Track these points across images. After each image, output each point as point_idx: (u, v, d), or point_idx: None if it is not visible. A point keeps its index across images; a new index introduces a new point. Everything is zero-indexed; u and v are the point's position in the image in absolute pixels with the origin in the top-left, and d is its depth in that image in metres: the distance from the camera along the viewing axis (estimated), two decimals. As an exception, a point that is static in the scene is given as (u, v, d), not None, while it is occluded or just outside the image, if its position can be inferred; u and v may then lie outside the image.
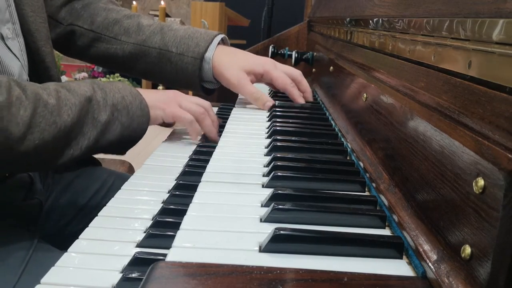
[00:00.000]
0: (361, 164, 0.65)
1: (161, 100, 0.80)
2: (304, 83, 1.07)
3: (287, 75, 1.03)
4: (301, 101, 1.05)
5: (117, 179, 0.99)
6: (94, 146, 0.70)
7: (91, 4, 1.03)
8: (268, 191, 0.54)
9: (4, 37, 0.74)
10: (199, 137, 0.88)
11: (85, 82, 0.72)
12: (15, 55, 0.76)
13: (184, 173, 0.70)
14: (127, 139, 0.75)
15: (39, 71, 0.83)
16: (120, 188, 0.66)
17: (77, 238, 0.52)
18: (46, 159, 0.66)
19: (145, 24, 0.99)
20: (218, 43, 0.99)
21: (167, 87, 1.02)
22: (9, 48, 0.75)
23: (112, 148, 0.75)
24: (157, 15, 4.95)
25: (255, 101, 1.00)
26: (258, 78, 1.02)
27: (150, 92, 0.81)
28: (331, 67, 1.06)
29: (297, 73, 1.06)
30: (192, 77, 0.97)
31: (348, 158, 0.71)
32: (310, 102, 1.08)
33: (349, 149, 0.73)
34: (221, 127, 0.87)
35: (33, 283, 0.44)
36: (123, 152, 0.79)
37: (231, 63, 0.97)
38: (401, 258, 0.43)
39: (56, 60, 0.88)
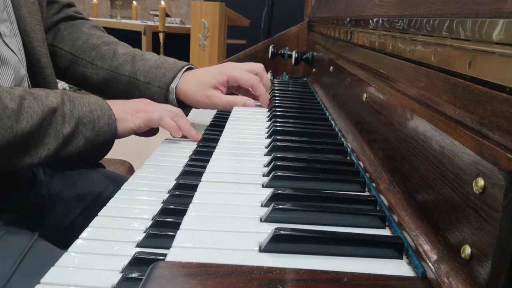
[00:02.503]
0: (361, 164, 0.65)
1: (131, 111, 0.81)
2: (265, 76, 1.07)
3: (250, 72, 1.04)
4: (266, 98, 1.05)
5: (121, 184, 0.99)
6: (54, 156, 0.70)
7: (74, 26, 1.05)
8: (268, 191, 0.54)
9: (2, 34, 0.76)
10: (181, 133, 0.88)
11: (55, 92, 0.72)
12: (13, 51, 0.77)
13: (184, 173, 0.70)
14: (92, 153, 0.75)
15: (35, 70, 0.85)
16: (121, 187, 0.66)
17: (77, 237, 0.52)
18: (1, 164, 0.66)
19: (121, 52, 1.02)
20: (185, 71, 1.00)
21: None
22: (7, 45, 0.76)
23: (75, 160, 0.75)
24: (157, 15, 4.96)
25: (237, 105, 1.00)
26: (226, 86, 1.02)
27: (121, 104, 0.81)
28: (331, 67, 1.06)
29: (259, 67, 1.06)
30: None
31: (348, 158, 0.71)
32: (310, 102, 1.08)
33: (349, 149, 0.73)
34: (221, 127, 0.87)
35: (28, 277, 0.44)
36: (89, 165, 0.79)
37: (195, 86, 0.98)
38: (401, 258, 0.43)
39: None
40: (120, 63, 1.00)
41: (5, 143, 0.63)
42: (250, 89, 1.08)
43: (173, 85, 0.98)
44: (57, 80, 0.94)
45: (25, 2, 0.83)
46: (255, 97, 1.08)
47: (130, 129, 0.80)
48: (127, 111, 0.80)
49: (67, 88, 3.93)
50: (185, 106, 1.01)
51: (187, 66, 1.01)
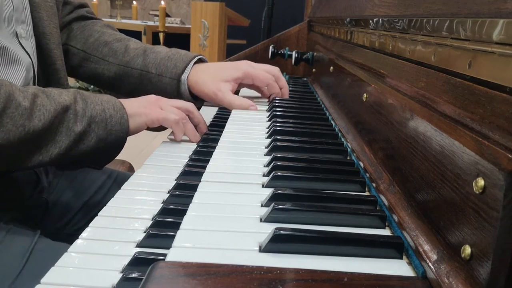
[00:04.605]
0: (361, 164, 0.65)
1: (142, 106, 0.80)
2: (282, 79, 1.08)
3: (266, 72, 1.04)
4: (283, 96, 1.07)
5: (118, 178, 1.00)
6: (66, 154, 0.69)
7: (87, 26, 1.06)
8: (268, 191, 0.54)
9: (18, 35, 0.77)
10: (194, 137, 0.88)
11: (68, 91, 0.72)
12: (27, 53, 0.78)
13: (184, 173, 0.70)
14: (103, 152, 0.75)
15: (49, 72, 0.85)
16: (121, 187, 0.66)
17: (78, 236, 0.52)
18: (11, 160, 0.66)
19: (132, 47, 1.03)
20: (195, 63, 1.00)
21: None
22: (22, 46, 0.77)
23: (87, 160, 0.75)
24: (157, 15, 4.96)
25: (238, 108, 1.00)
26: (238, 82, 1.02)
27: (133, 100, 0.81)
28: (331, 67, 1.06)
29: (275, 69, 1.07)
30: (171, 97, 0.98)
31: (348, 158, 0.71)
32: (310, 102, 1.08)
33: (349, 149, 0.73)
34: (221, 127, 0.87)
35: (35, 274, 0.44)
36: (99, 166, 0.79)
37: (207, 78, 0.98)
38: (401, 258, 0.43)
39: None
40: (132, 57, 1.01)
41: (17, 141, 0.63)
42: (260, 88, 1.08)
43: (184, 76, 0.98)
44: (69, 78, 0.94)
45: (45, 5, 0.84)
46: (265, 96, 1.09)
47: (143, 123, 0.80)
48: (140, 106, 0.80)
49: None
50: (197, 99, 1.01)
51: (198, 57, 1.01)
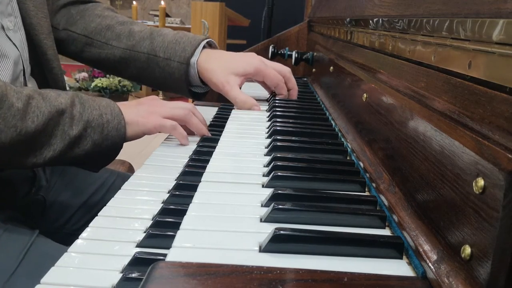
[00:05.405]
0: (361, 164, 0.65)
1: (141, 114, 0.79)
2: (292, 80, 1.07)
3: (277, 72, 1.03)
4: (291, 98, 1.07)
5: (118, 178, 0.99)
6: (60, 158, 0.69)
7: (87, 10, 1.04)
8: (268, 191, 0.54)
9: (5, 28, 0.76)
10: (189, 140, 0.87)
11: (67, 94, 0.71)
12: (15, 45, 0.77)
13: (184, 173, 0.70)
14: (99, 157, 0.75)
15: (41, 63, 0.85)
16: (121, 187, 0.66)
17: (77, 236, 0.52)
18: (4, 161, 0.66)
19: (136, 30, 1.01)
20: (204, 47, 0.98)
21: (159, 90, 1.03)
22: (9, 39, 0.76)
23: (81, 163, 0.74)
24: (157, 15, 4.96)
25: (241, 106, 0.99)
26: (248, 77, 1.01)
27: (133, 107, 0.80)
28: (331, 67, 1.06)
29: (286, 70, 1.06)
30: (179, 81, 0.97)
31: (348, 158, 0.71)
32: (310, 102, 1.08)
33: (349, 149, 0.73)
34: (221, 127, 0.87)
35: (31, 273, 0.44)
36: (95, 170, 0.78)
37: (218, 67, 0.97)
38: (401, 258, 0.43)
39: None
40: (138, 41, 0.99)
41: (9, 142, 0.63)
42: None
43: (194, 59, 0.96)
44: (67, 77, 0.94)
45: None
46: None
47: (141, 132, 0.79)
48: (139, 114, 0.79)
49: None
50: (205, 84, 1.00)
51: (207, 40, 1.00)
